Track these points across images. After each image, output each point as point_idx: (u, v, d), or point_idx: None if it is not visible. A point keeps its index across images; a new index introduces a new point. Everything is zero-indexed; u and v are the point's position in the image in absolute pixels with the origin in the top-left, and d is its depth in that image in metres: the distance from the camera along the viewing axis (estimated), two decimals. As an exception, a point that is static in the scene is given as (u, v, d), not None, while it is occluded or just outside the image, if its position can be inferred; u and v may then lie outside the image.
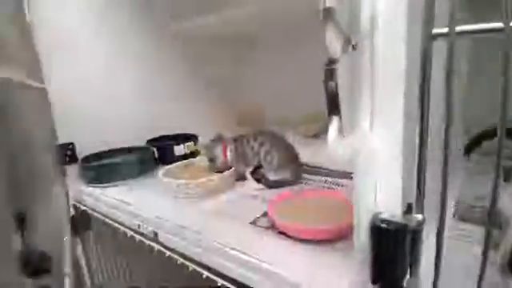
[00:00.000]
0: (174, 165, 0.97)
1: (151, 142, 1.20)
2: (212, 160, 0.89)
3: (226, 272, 0.56)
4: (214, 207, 0.75)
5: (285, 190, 0.78)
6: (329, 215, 0.59)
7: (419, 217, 0.33)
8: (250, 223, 0.65)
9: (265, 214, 0.67)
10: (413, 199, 0.34)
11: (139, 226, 0.76)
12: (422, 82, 0.31)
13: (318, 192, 0.72)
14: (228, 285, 0.57)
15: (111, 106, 1.14)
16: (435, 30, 0.29)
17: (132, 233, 0.80)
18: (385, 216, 0.34)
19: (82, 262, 1.05)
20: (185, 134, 1.25)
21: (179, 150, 1.15)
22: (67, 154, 1.02)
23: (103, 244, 1.07)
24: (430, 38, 0.30)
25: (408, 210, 0.34)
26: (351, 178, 0.36)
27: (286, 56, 1.46)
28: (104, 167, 0.97)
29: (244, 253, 0.54)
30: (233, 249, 0.55)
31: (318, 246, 0.54)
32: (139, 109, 1.23)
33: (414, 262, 0.33)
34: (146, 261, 1.04)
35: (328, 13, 0.32)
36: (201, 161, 0.99)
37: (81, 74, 1.06)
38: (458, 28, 0.29)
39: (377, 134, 0.33)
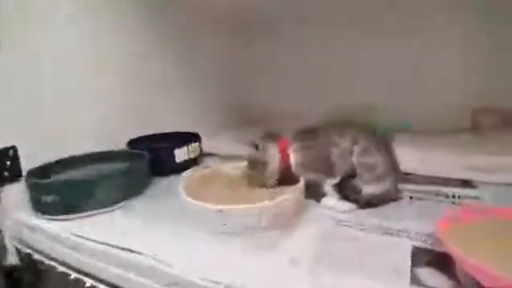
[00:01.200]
0: (188, 175, 0.62)
1: (133, 144, 0.81)
2: (257, 166, 0.57)
3: None
4: (305, 250, 0.42)
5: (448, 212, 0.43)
6: None
7: None
8: (412, 283, 0.35)
9: (419, 260, 0.38)
10: None
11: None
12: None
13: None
14: None
15: (71, 95, 0.73)
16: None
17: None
18: None
19: None
20: (179, 133, 0.89)
21: (181, 154, 0.79)
22: (4, 164, 0.59)
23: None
24: None
25: None
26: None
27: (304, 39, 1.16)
28: (72, 186, 0.57)
29: None
30: None
31: None
32: (114, 99, 0.83)
33: None
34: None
35: None
36: (231, 168, 0.66)
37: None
38: None
39: None
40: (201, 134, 0.87)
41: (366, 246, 0.42)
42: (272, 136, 0.57)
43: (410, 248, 0.41)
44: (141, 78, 0.90)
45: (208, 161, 0.87)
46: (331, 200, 0.54)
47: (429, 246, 0.41)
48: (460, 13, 0.92)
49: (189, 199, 0.51)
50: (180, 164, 0.78)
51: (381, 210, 0.52)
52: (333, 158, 0.53)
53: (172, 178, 0.73)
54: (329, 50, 1.10)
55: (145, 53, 0.91)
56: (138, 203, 0.61)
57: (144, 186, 0.67)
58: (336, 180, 0.53)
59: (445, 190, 0.58)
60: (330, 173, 0.53)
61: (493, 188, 0.57)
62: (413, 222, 0.47)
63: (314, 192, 0.55)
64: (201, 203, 0.48)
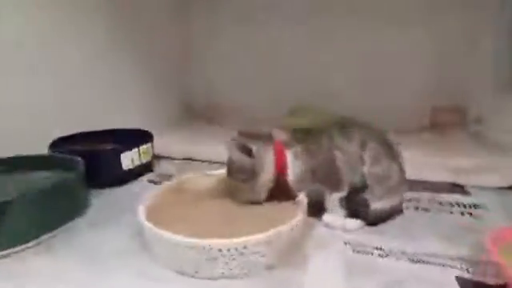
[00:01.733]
0: (151, 195, 0.46)
1: (60, 145, 0.61)
2: (247, 177, 0.43)
3: None
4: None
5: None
6: None
7: None
8: None
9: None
10: None
11: None
12: None
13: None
14: None
15: None
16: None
17: None
18: None
19: None
20: (125, 131, 0.71)
21: (129, 158, 0.61)
22: None
23: None
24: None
25: None
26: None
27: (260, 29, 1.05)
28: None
29: None
30: None
31: None
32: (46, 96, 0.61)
33: None
34: None
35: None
36: (201, 178, 0.51)
37: None
38: None
39: None
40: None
41: (398, 279, 0.34)
42: (263, 137, 0.45)
43: (454, 281, 0.33)
44: (76, 71, 0.69)
45: (163, 167, 0.71)
46: (336, 217, 0.44)
47: (475, 277, 0.33)
48: (420, 14, 0.91)
49: (156, 230, 0.36)
50: (128, 172, 0.61)
51: (388, 226, 0.44)
52: (338, 166, 0.43)
53: (118, 192, 0.56)
54: (280, 44, 1.02)
55: (86, 48, 0.70)
56: (67, 236, 0.43)
57: (77, 208, 0.49)
58: (343, 193, 0.43)
59: (445, 197, 0.53)
60: (334, 184, 0.43)
61: (486, 193, 0.55)
62: (437, 243, 0.40)
63: (315, 207, 0.45)
64: (179, 236, 0.34)
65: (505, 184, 0.56)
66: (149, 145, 0.65)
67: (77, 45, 0.71)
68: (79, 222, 0.47)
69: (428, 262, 0.36)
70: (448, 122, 0.96)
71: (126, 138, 0.66)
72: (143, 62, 0.91)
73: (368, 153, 0.43)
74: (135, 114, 0.84)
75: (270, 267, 0.35)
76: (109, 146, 0.61)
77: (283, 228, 0.35)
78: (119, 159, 0.59)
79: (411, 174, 0.47)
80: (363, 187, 0.43)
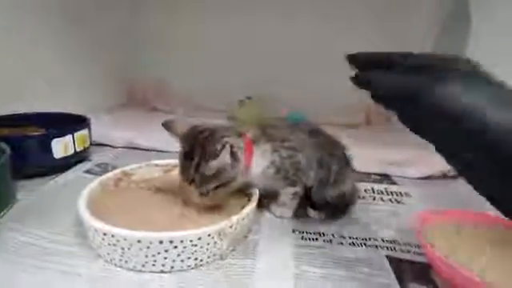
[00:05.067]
0: (89, 186, 0.43)
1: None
2: (223, 183, 0.39)
3: None
4: (283, 275, 0.33)
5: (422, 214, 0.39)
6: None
7: None
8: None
9: (406, 275, 0.35)
10: None
11: None
12: None
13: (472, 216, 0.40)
14: None
15: None
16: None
17: None
18: None
19: None
20: (55, 115, 0.64)
21: (62, 145, 0.55)
22: None
23: None
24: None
25: None
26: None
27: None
28: None
29: None
30: None
31: None
32: None
33: None
34: None
35: None
36: (149, 170, 0.49)
37: None
38: None
39: None
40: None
41: (340, 260, 0.37)
42: (232, 133, 0.41)
43: (385, 259, 0.37)
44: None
45: (101, 156, 0.66)
46: (285, 209, 0.46)
47: (407, 256, 0.38)
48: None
49: (93, 219, 0.33)
50: (61, 161, 0.55)
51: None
52: (298, 164, 0.43)
53: (49, 184, 0.51)
54: (226, 26, 1.03)
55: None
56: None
57: (4, 203, 0.43)
58: (296, 189, 0.45)
59: (376, 186, 0.59)
60: (291, 180, 0.44)
61: (409, 182, 0.62)
62: (372, 227, 0.45)
63: (268, 199, 0.46)
64: (120, 230, 0.32)
65: (421, 175, 0.64)
66: (85, 131, 0.60)
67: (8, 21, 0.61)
68: (2, 218, 0.41)
69: (364, 245, 0.41)
70: (380, 119, 1.06)
71: (59, 122, 0.59)
72: (83, 41, 0.83)
73: (319, 154, 0.45)
74: (72, 97, 0.76)
75: (222, 257, 0.35)
76: (38, 131, 0.55)
77: (235, 218, 0.35)
78: (50, 146, 0.53)
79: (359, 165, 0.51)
80: (320, 182, 0.45)
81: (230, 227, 0.35)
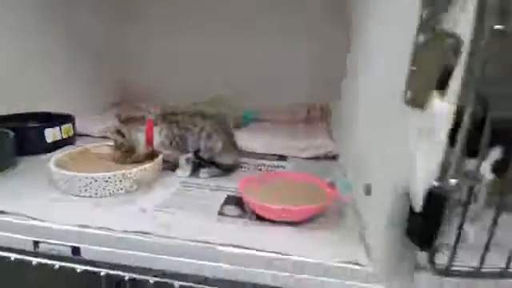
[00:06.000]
0: (61, 154, 0.70)
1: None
2: (123, 145, 0.70)
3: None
4: (155, 202, 0.59)
5: (248, 175, 0.68)
6: (308, 196, 0.58)
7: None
8: (219, 214, 0.56)
9: (229, 202, 0.60)
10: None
11: (37, 244, 0.51)
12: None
13: (282, 175, 0.70)
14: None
15: None
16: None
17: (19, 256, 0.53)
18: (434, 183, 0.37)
19: None
20: (49, 114, 0.93)
21: (52, 134, 0.84)
22: None
23: None
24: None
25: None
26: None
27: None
28: None
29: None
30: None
31: (301, 225, 0.53)
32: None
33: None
34: None
35: None
36: (102, 148, 0.77)
37: None
38: None
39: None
40: (74, 114, 0.93)
41: (198, 197, 0.62)
42: (132, 120, 0.71)
43: (225, 196, 0.63)
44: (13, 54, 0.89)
45: (82, 142, 0.94)
46: (182, 171, 0.72)
47: (236, 195, 0.63)
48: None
49: (58, 169, 0.61)
50: (51, 144, 0.83)
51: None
52: (189, 140, 0.71)
53: (41, 158, 0.78)
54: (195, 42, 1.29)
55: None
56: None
57: (10, 165, 0.72)
58: (188, 155, 0.71)
59: (267, 162, 0.84)
60: (184, 150, 0.71)
61: (297, 161, 0.86)
62: (228, 182, 0.70)
63: (171, 164, 0.73)
64: (70, 173, 0.60)
65: (307, 156, 0.88)
66: (69, 125, 0.89)
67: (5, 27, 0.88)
68: (7, 171, 0.70)
69: (219, 190, 0.66)
70: (317, 116, 1.29)
71: (52, 119, 0.88)
72: (79, 57, 1.12)
73: (204, 132, 0.71)
74: (65, 101, 1.04)
75: (128, 191, 0.62)
76: (36, 124, 0.83)
77: (134, 169, 0.62)
78: (43, 134, 0.82)
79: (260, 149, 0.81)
80: (197, 152, 0.71)
81: (130, 174, 0.61)
